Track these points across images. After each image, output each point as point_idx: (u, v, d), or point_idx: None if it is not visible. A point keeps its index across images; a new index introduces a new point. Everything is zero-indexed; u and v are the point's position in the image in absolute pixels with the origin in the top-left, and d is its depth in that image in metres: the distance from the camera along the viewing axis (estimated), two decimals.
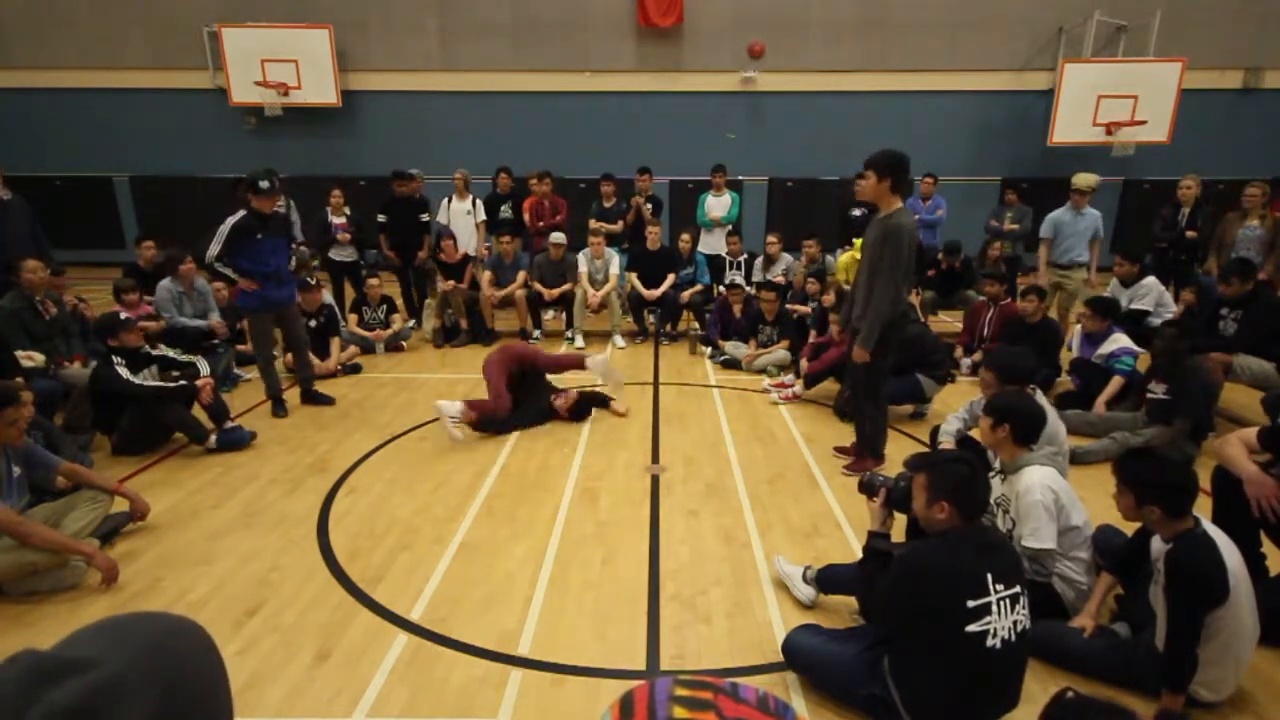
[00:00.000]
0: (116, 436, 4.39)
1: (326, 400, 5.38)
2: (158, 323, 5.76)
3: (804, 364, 5.75)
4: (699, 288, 7.43)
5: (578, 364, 5.23)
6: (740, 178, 11.22)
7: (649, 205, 7.83)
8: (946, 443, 3.69)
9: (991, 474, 2.80)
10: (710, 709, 0.59)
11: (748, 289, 7.04)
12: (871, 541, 2.39)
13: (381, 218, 7.48)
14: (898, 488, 2.48)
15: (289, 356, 5.51)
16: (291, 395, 5.38)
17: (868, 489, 2.59)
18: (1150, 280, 5.96)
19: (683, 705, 0.59)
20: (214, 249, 4.70)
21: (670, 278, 7.36)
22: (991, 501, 2.76)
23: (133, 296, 5.72)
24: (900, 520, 2.62)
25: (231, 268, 4.75)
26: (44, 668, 0.55)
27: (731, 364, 6.46)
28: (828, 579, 2.83)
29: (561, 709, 2.35)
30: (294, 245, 5.42)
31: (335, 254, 7.60)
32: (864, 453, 4.22)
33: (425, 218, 7.54)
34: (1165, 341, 4.36)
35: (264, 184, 4.71)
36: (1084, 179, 6.49)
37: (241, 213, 4.76)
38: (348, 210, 7.62)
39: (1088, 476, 3.99)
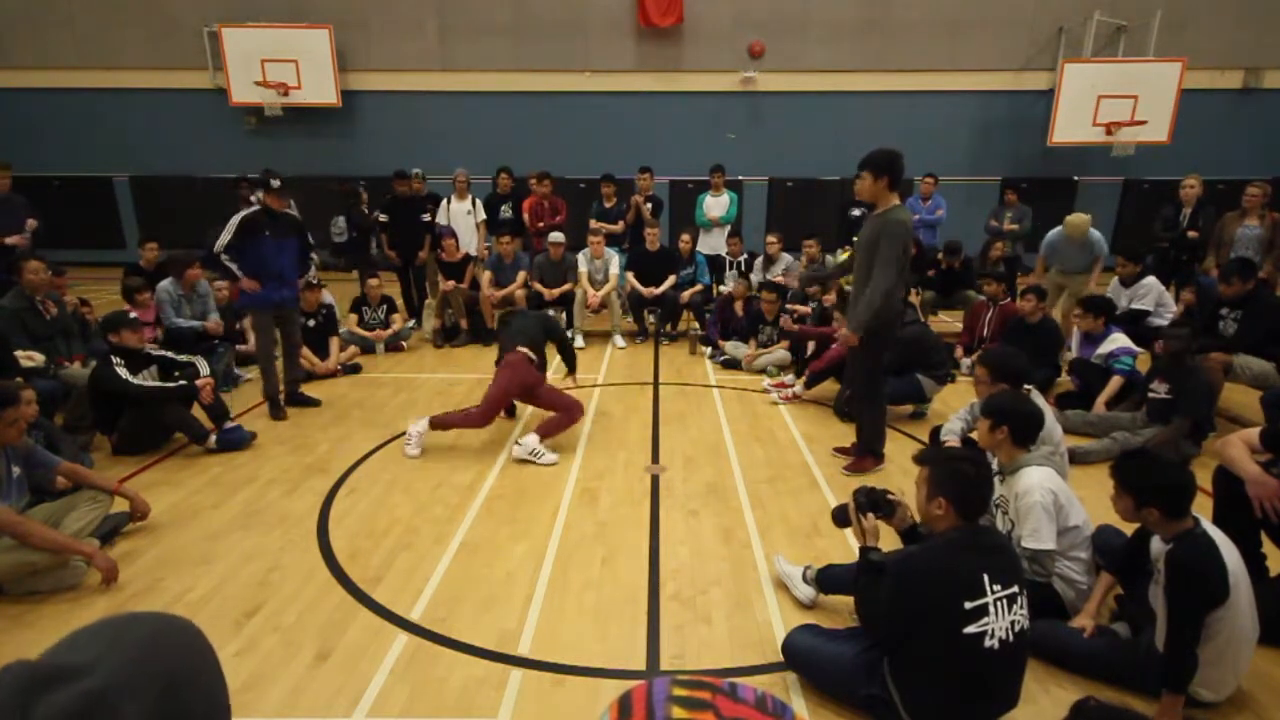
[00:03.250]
0: (116, 436, 4.39)
1: (313, 402, 5.35)
2: (155, 331, 5.74)
3: (809, 347, 5.73)
4: (699, 288, 7.43)
5: (572, 413, 4.56)
6: (740, 178, 11.22)
7: (649, 205, 7.83)
8: (950, 441, 3.70)
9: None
10: (708, 709, 0.59)
11: (751, 289, 7.04)
12: (865, 555, 2.38)
13: (383, 217, 7.51)
14: (861, 498, 2.48)
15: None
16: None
17: (839, 521, 2.58)
18: (1150, 280, 5.96)
19: (681, 705, 0.59)
20: (224, 239, 4.73)
21: (670, 278, 7.36)
22: (990, 502, 2.76)
23: (144, 295, 5.72)
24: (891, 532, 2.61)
25: (237, 263, 4.78)
26: (37, 677, 0.56)
27: (731, 364, 6.46)
28: (828, 579, 2.84)
29: (561, 709, 2.35)
30: (313, 255, 5.37)
31: (373, 250, 7.90)
32: (863, 452, 4.22)
33: (427, 217, 7.55)
34: (1178, 341, 4.34)
35: (275, 182, 4.79)
36: (1073, 226, 6.41)
37: (255, 207, 4.84)
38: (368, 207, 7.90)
39: (1088, 476, 3.99)
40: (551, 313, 7.84)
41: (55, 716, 0.54)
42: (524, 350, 4.62)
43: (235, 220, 4.75)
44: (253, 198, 5.14)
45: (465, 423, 4.41)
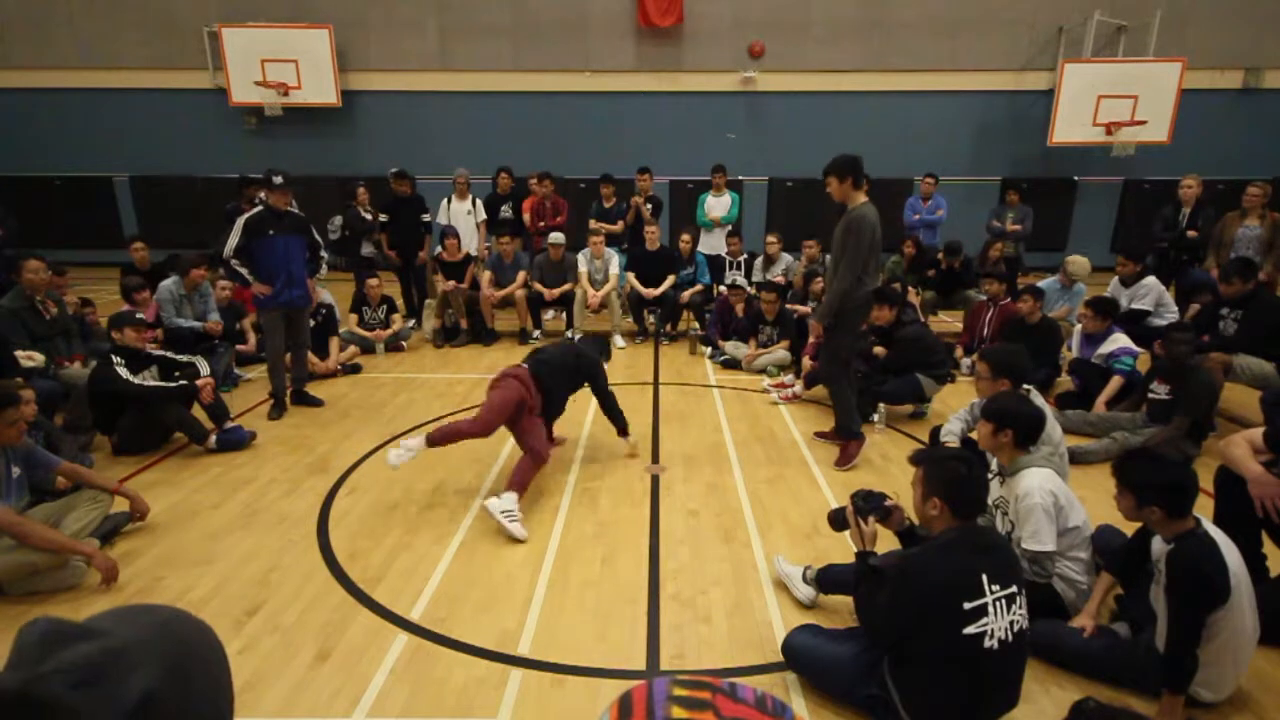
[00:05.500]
0: (116, 436, 4.39)
1: (316, 402, 5.35)
2: (157, 332, 5.73)
3: (806, 362, 5.77)
4: (699, 288, 7.43)
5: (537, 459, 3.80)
6: (740, 178, 11.23)
7: (648, 205, 7.83)
8: (950, 442, 3.70)
9: (990, 476, 2.79)
10: (708, 709, 0.59)
11: (749, 289, 7.05)
12: (863, 559, 2.38)
13: (383, 217, 7.51)
14: (859, 502, 2.47)
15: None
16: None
17: (837, 524, 2.58)
18: (1150, 280, 5.95)
19: (681, 705, 0.59)
20: (232, 241, 4.73)
21: (670, 278, 7.36)
22: (990, 503, 2.76)
23: (144, 295, 5.72)
24: (890, 534, 2.61)
25: (247, 267, 4.78)
26: (59, 631, 0.60)
27: (731, 364, 6.46)
28: (828, 579, 2.84)
29: (561, 709, 2.35)
30: (322, 253, 5.31)
31: (366, 250, 7.82)
32: (846, 438, 4.33)
33: (427, 217, 7.56)
34: (1183, 345, 4.34)
35: (277, 179, 4.77)
36: (1077, 265, 6.44)
37: (257, 208, 4.82)
38: (371, 208, 7.82)
39: (1088, 476, 3.99)
40: (551, 314, 7.84)
41: (73, 664, 0.57)
42: (525, 372, 3.96)
43: (240, 222, 4.75)
44: (257, 198, 5.09)
45: (466, 431, 3.76)
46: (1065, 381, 5.52)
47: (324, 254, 5.29)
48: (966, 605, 1.96)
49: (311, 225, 5.16)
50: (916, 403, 5.19)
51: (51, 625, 0.60)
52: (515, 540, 3.42)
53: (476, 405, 5.22)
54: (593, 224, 7.75)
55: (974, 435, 3.29)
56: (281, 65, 10.87)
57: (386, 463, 3.65)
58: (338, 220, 8.17)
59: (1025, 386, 3.21)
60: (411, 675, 2.49)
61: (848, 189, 4.00)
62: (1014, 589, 2.04)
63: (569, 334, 7.32)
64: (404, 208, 7.47)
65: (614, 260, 7.37)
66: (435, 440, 3.73)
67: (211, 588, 3.02)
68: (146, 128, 11.62)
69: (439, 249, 7.37)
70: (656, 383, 6.00)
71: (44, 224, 11.35)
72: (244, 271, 4.80)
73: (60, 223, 11.74)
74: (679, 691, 0.61)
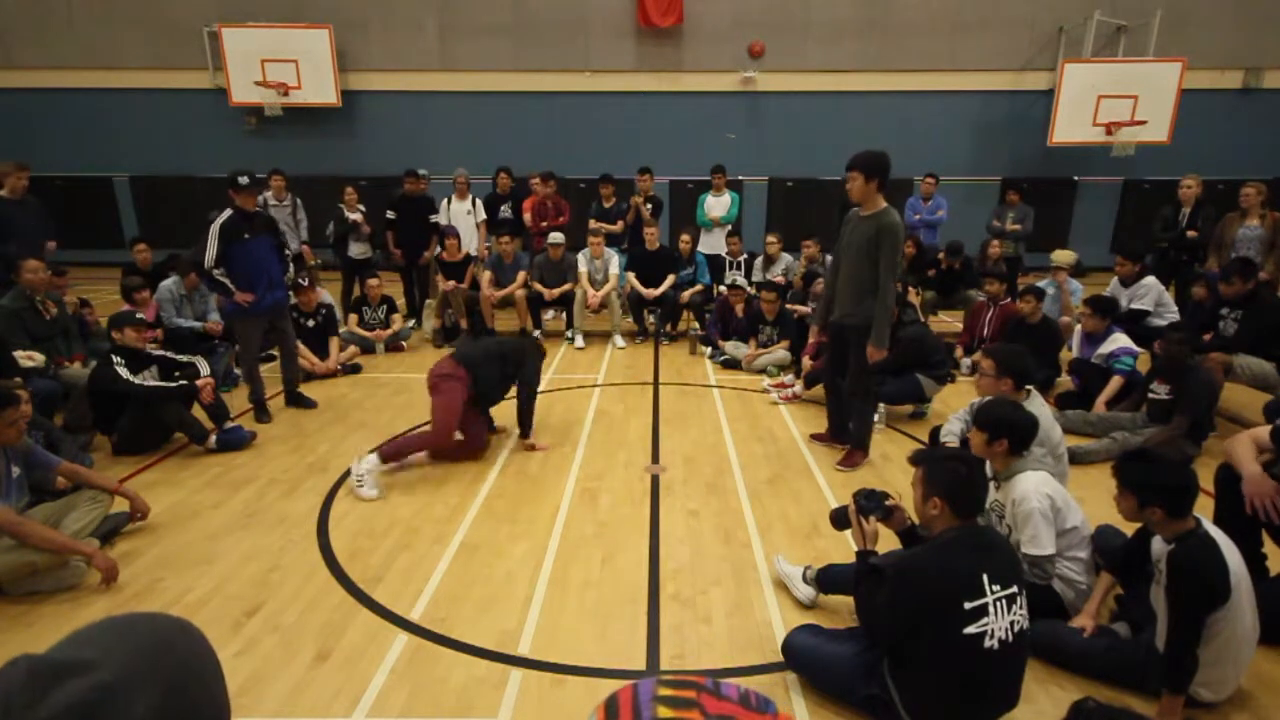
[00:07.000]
0: (116, 436, 4.39)
1: (310, 403, 5.30)
2: (157, 332, 5.73)
3: (806, 362, 5.76)
4: (699, 288, 7.43)
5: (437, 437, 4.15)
6: (740, 178, 11.23)
7: (648, 205, 7.83)
8: (950, 442, 3.70)
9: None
10: (694, 707, 0.59)
11: (748, 289, 7.05)
12: (864, 559, 2.38)
13: (390, 215, 7.50)
14: (861, 501, 2.46)
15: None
16: (278, 398, 5.38)
17: (838, 523, 2.57)
18: (1150, 280, 5.95)
19: (667, 705, 0.59)
20: (210, 254, 4.55)
21: (670, 278, 7.36)
22: (986, 507, 2.75)
23: (144, 294, 5.71)
24: (890, 534, 2.60)
25: (229, 277, 4.64)
26: (45, 669, 0.56)
27: (731, 364, 6.46)
28: (828, 579, 2.84)
29: (561, 709, 2.35)
30: (287, 249, 5.20)
31: (353, 250, 7.74)
32: (855, 446, 4.31)
33: (434, 218, 7.55)
34: (1174, 346, 4.34)
35: (243, 179, 4.59)
36: (1061, 255, 6.54)
37: (227, 212, 4.65)
38: (361, 207, 7.78)
39: (1088, 476, 3.99)
40: (551, 314, 7.84)
41: (66, 707, 0.54)
42: (460, 369, 4.18)
43: (215, 229, 4.56)
44: (263, 197, 4.93)
45: (426, 443, 4.11)
46: (1065, 381, 5.52)
47: (287, 251, 5.10)
48: (967, 605, 1.96)
49: (277, 225, 5.04)
50: (916, 403, 5.18)
51: (36, 664, 0.56)
52: (364, 500, 3.78)
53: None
54: (592, 224, 7.75)
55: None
56: (281, 65, 10.87)
57: (363, 498, 3.82)
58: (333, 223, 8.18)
59: (1026, 387, 3.21)
60: (411, 675, 2.49)
61: (872, 190, 3.85)
62: (1014, 589, 2.04)
63: (569, 334, 7.32)
64: (410, 207, 7.47)
65: (614, 260, 7.36)
66: (389, 456, 4.01)
67: (211, 588, 3.02)
68: (146, 128, 11.63)
69: (439, 249, 7.37)
70: (656, 383, 6.00)
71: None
72: (226, 281, 4.63)
73: (60, 223, 11.72)
74: (664, 691, 0.61)
